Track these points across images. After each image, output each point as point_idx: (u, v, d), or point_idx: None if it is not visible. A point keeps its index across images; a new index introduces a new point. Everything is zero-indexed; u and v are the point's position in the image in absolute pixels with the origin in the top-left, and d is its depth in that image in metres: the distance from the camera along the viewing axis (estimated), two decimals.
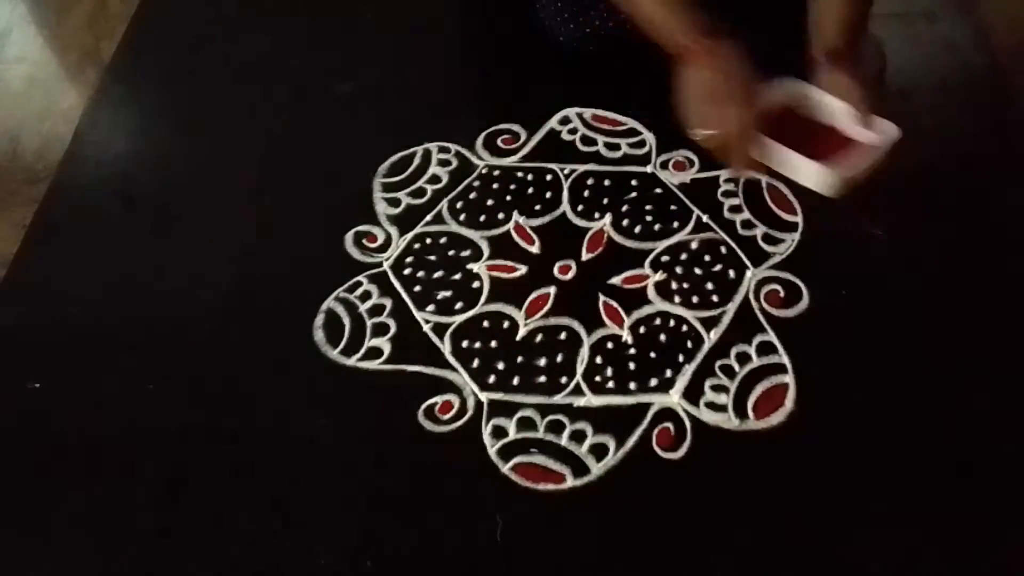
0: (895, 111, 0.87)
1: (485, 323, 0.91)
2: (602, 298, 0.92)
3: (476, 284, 0.94)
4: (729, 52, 0.85)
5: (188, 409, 0.86)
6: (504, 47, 1.19)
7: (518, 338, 0.90)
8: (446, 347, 0.89)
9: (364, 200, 1.01)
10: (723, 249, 0.96)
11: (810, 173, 0.83)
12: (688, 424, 0.83)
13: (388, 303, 0.92)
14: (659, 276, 0.93)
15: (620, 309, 0.91)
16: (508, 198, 1.01)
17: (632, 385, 0.86)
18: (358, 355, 0.88)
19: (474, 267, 0.95)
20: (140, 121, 1.14)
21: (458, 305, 0.92)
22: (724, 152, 0.86)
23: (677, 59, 0.87)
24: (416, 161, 1.05)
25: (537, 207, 1.00)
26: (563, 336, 0.89)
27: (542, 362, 0.88)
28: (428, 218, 1.00)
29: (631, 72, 1.06)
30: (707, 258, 0.95)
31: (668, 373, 0.86)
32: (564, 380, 0.86)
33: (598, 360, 0.88)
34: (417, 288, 0.94)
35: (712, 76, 0.85)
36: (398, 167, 1.05)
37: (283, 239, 0.98)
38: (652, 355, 0.88)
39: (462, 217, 1.00)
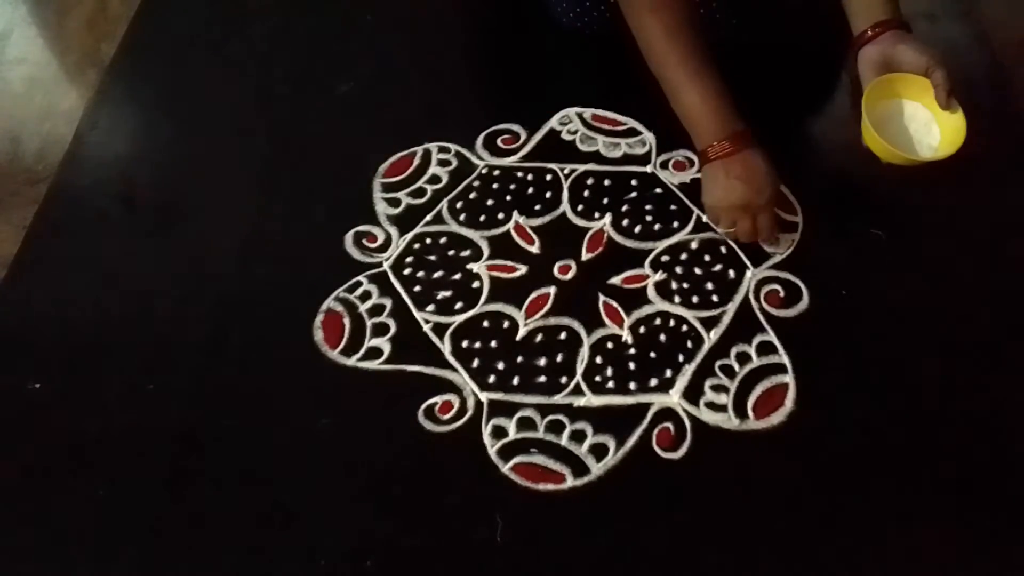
0: None
1: (485, 323, 0.91)
2: (602, 298, 0.92)
3: (476, 284, 0.94)
4: (759, 164, 0.88)
5: (188, 409, 0.86)
6: (504, 47, 1.19)
7: (518, 338, 0.90)
8: (446, 347, 0.89)
9: (364, 200, 1.01)
10: (723, 249, 0.96)
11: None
12: (688, 424, 0.83)
13: (388, 303, 0.92)
14: (659, 276, 0.93)
15: (620, 309, 0.91)
16: (508, 198, 1.01)
17: (632, 385, 0.86)
18: (358, 355, 0.88)
19: (474, 267, 0.95)
20: (140, 122, 1.14)
21: (458, 305, 0.92)
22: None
23: (703, 157, 0.90)
24: (416, 161, 1.05)
25: (537, 207, 1.00)
26: (563, 336, 0.89)
27: (542, 362, 0.88)
28: (428, 218, 1.00)
29: (632, 72, 1.06)
30: (707, 258, 0.95)
31: (668, 373, 0.86)
32: (564, 380, 0.86)
33: (598, 360, 0.88)
34: (417, 288, 0.94)
35: (739, 185, 0.88)
36: (398, 167, 1.05)
37: (283, 239, 0.98)
38: (652, 355, 0.88)
39: (462, 217, 1.00)
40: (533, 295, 0.92)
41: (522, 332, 0.90)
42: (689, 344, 0.88)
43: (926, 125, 0.86)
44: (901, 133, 0.86)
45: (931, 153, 0.84)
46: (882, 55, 0.86)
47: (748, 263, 0.94)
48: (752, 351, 0.88)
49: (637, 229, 0.97)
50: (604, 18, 1.08)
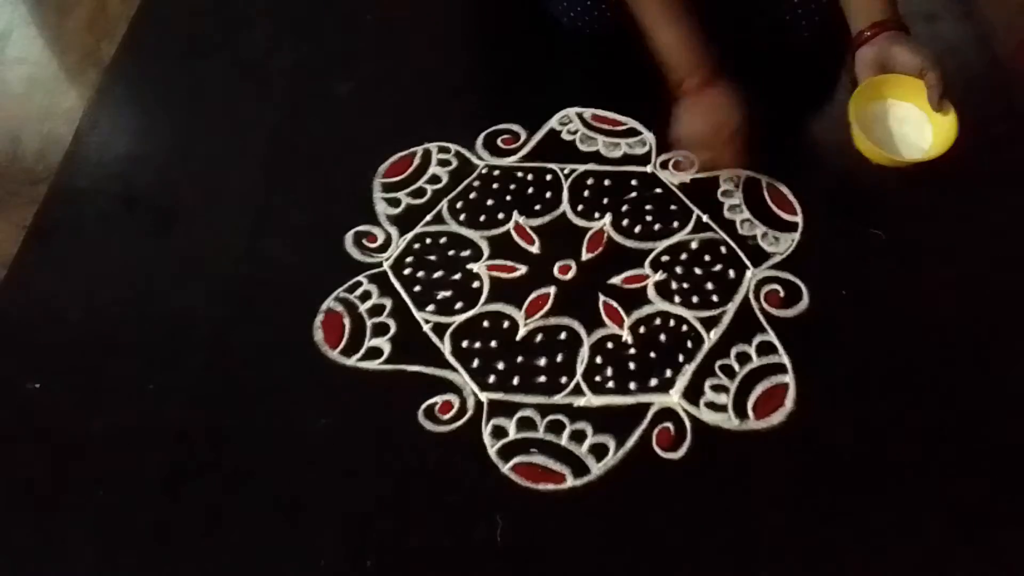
0: None
1: (485, 323, 0.91)
2: (602, 298, 0.92)
3: (476, 284, 0.94)
4: (727, 97, 0.91)
5: (188, 409, 0.86)
6: (504, 47, 1.19)
7: (518, 338, 0.90)
8: (446, 347, 0.89)
9: (364, 200, 1.01)
10: (723, 249, 0.96)
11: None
12: (688, 424, 0.83)
13: (388, 303, 0.92)
14: (659, 276, 0.93)
15: (620, 309, 0.91)
16: (508, 198, 1.01)
17: (632, 385, 0.86)
18: (358, 355, 0.88)
19: (474, 267, 0.95)
20: (140, 121, 1.14)
21: (458, 305, 0.92)
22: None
23: (675, 91, 0.93)
24: (416, 161, 1.05)
25: (537, 207, 1.00)
26: (563, 336, 0.89)
27: (542, 362, 0.88)
28: (428, 218, 1.00)
29: (631, 72, 1.06)
30: (707, 258, 0.95)
31: (668, 373, 0.86)
32: (564, 380, 0.86)
33: (598, 360, 0.88)
34: (417, 288, 0.94)
35: (709, 120, 0.92)
36: (398, 167, 1.05)
37: (283, 239, 0.98)
38: (652, 355, 0.88)
39: (462, 217, 1.00)
40: (533, 295, 0.92)
41: (522, 332, 0.90)
42: (689, 344, 0.88)
43: (918, 126, 0.86)
44: (894, 134, 0.86)
45: (920, 154, 0.84)
46: (878, 56, 0.86)
47: (748, 263, 0.94)
48: (752, 351, 0.88)
49: (637, 229, 0.97)
50: (604, 18, 1.09)
